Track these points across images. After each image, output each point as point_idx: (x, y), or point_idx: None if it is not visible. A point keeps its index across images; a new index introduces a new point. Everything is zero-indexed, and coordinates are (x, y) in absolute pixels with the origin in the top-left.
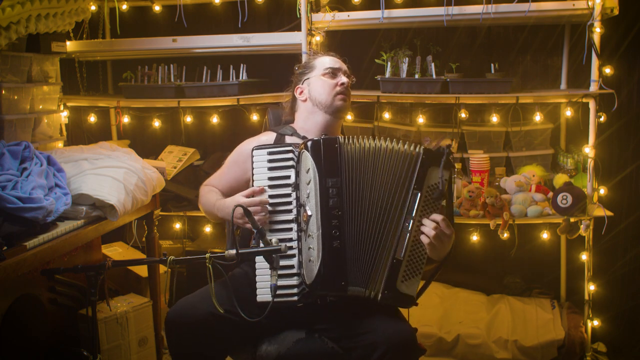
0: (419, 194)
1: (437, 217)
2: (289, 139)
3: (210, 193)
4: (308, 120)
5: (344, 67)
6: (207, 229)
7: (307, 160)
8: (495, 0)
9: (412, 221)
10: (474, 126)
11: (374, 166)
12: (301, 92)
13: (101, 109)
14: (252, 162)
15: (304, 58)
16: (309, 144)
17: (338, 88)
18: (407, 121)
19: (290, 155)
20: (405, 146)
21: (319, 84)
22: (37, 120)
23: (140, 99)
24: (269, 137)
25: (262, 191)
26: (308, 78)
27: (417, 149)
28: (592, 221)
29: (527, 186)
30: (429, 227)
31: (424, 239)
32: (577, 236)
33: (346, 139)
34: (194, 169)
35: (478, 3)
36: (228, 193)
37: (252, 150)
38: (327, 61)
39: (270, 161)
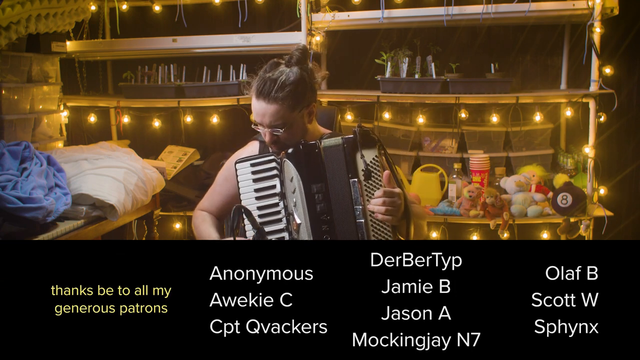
0: (356, 181)
1: (378, 192)
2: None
3: (202, 224)
4: None
5: (268, 117)
6: None
7: (290, 168)
8: (495, 0)
9: (361, 207)
10: (474, 126)
11: (336, 164)
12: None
13: (101, 109)
14: (237, 176)
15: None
16: (289, 152)
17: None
18: (407, 121)
19: (272, 164)
20: (338, 139)
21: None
22: (37, 120)
23: (140, 99)
24: (253, 147)
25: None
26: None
27: (339, 140)
28: (592, 221)
29: (527, 186)
30: (376, 207)
31: (380, 218)
32: (577, 236)
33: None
34: (194, 169)
35: (478, 3)
36: (223, 210)
37: (235, 164)
38: (254, 110)
39: (254, 172)
